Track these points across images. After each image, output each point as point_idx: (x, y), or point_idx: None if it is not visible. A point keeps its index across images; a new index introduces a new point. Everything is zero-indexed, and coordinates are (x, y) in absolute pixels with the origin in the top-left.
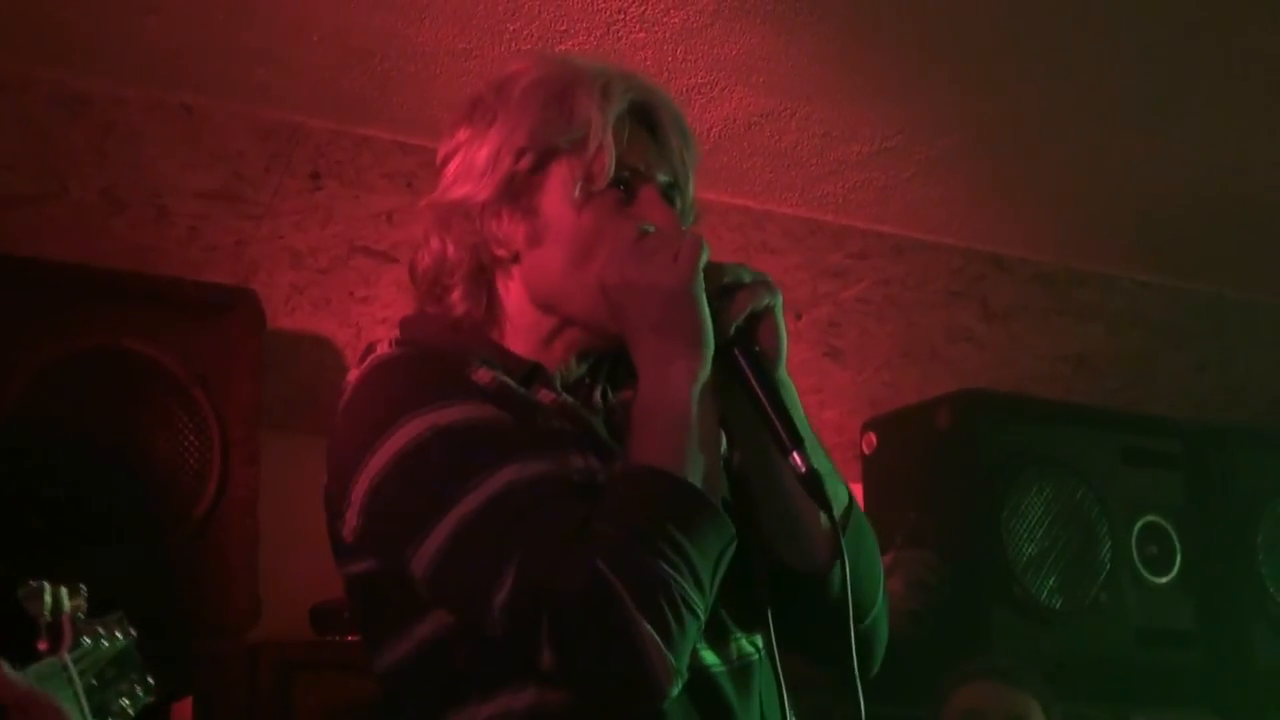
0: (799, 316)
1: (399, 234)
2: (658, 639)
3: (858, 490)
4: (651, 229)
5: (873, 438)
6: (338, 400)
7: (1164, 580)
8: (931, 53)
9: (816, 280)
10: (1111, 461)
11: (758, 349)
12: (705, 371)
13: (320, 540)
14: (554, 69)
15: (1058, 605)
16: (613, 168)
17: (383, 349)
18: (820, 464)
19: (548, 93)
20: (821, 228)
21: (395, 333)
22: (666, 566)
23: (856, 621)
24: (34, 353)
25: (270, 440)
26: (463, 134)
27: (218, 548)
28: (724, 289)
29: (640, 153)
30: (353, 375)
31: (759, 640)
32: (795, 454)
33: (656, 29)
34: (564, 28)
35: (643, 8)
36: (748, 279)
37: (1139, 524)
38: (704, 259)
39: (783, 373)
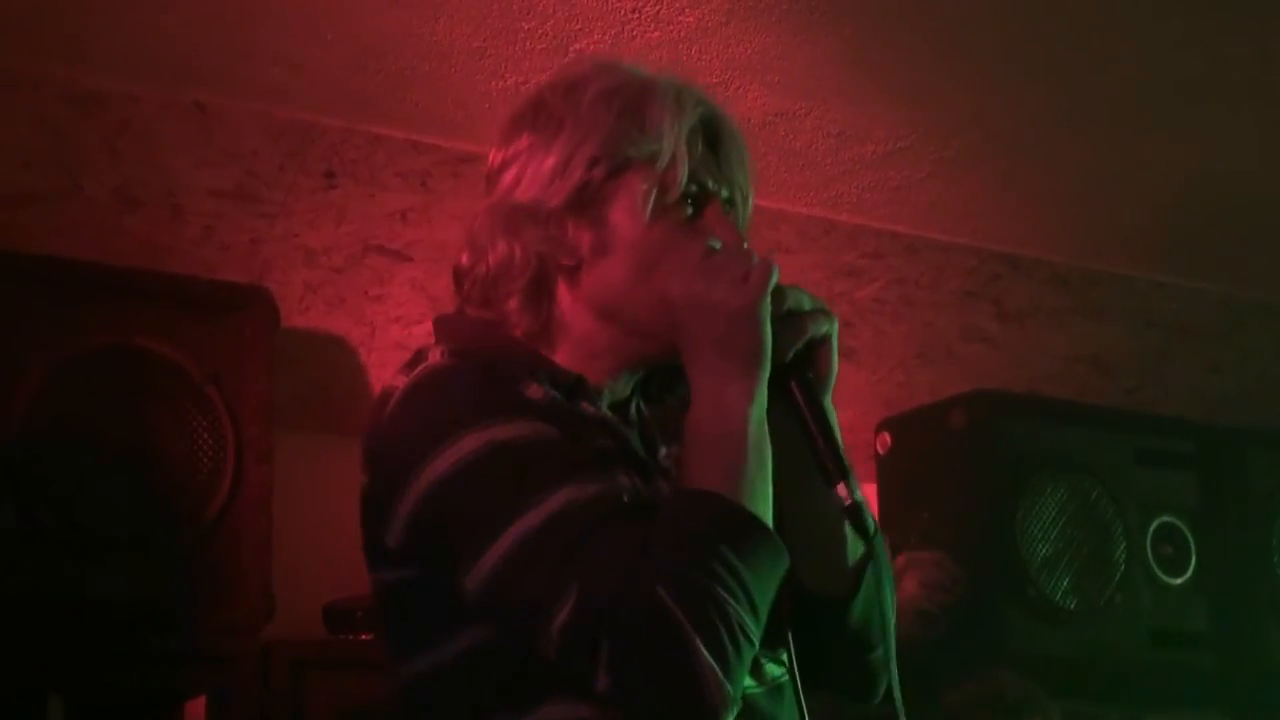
0: None
1: (413, 233)
2: (717, 669)
3: (871, 491)
4: (718, 245)
5: (887, 438)
6: (381, 403)
7: (1179, 581)
8: (946, 53)
9: (831, 280)
10: (1126, 462)
11: (811, 376)
12: (763, 394)
13: (334, 539)
14: (625, 77)
15: (1072, 606)
16: (685, 181)
17: (434, 357)
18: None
19: (621, 102)
20: (836, 227)
21: (432, 334)
22: (725, 594)
23: (867, 651)
24: (47, 351)
25: (284, 439)
26: (525, 139)
27: (231, 546)
28: (786, 314)
29: (707, 168)
30: (402, 380)
31: (783, 659)
32: (842, 485)
33: (671, 28)
34: (578, 27)
35: (657, 7)
36: (808, 305)
37: (1154, 525)
38: (773, 282)
39: (828, 401)
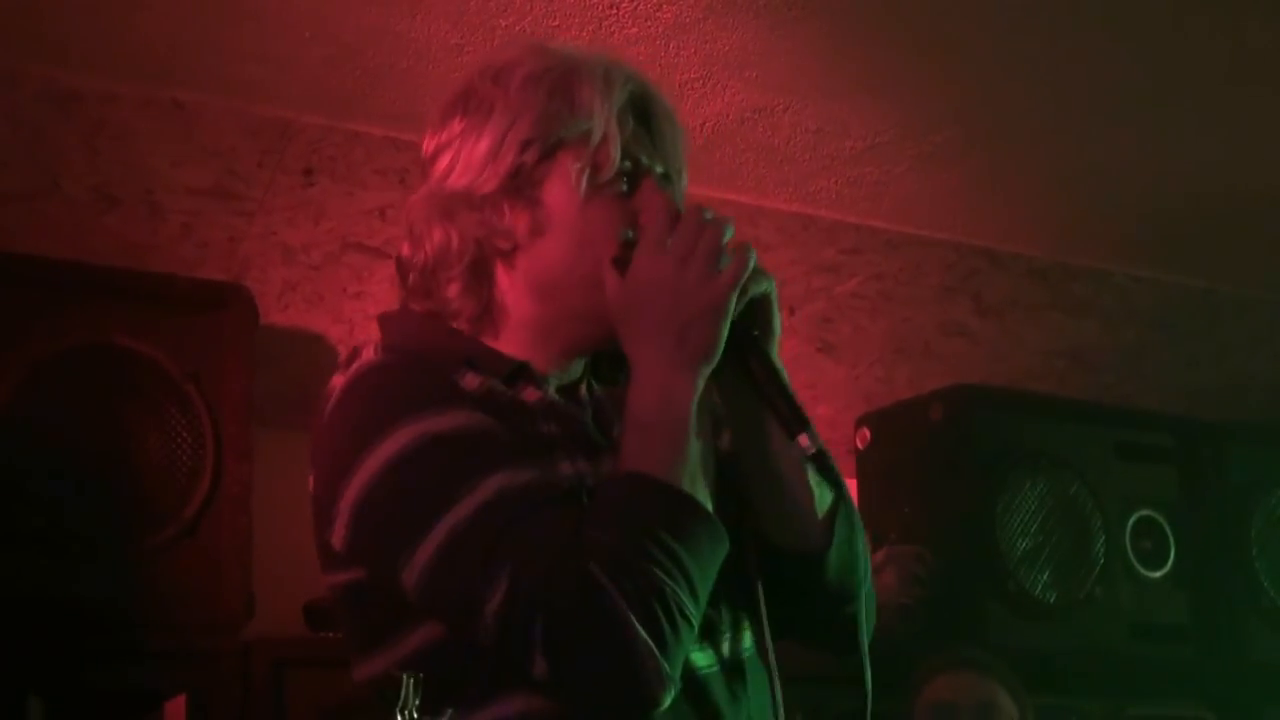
0: (793, 312)
1: (392, 230)
2: (653, 647)
3: (851, 485)
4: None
5: (866, 433)
6: (322, 403)
7: (1158, 574)
8: (924, 48)
9: (810, 276)
10: (1105, 456)
11: (756, 334)
12: (702, 388)
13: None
14: (552, 59)
15: (1052, 600)
16: (618, 158)
17: (368, 354)
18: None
19: (550, 83)
20: (814, 223)
21: (377, 331)
22: (661, 574)
23: (849, 602)
24: (26, 350)
25: (263, 437)
26: (457, 125)
27: (211, 544)
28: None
29: (640, 144)
30: (338, 380)
31: (749, 637)
32: (803, 435)
33: (649, 24)
34: (556, 23)
35: (635, 3)
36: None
37: (1133, 518)
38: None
39: (776, 357)
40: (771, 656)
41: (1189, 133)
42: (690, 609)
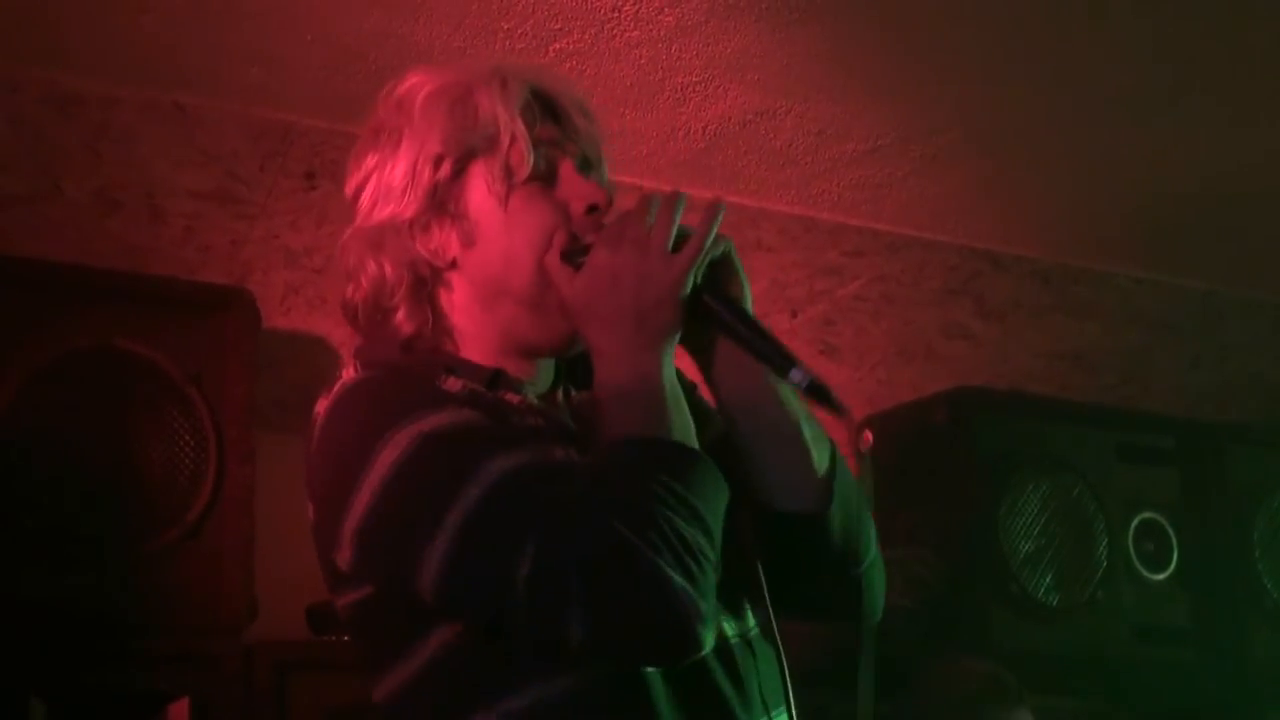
0: (795, 314)
1: None
2: (688, 588)
3: None
4: (654, 212)
5: (869, 435)
6: (309, 429)
7: (1161, 577)
8: (926, 50)
9: (812, 278)
10: (1108, 458)
11: (723, 291)
12: (671, 367)
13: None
14: (448, 75)
15: (1054, 602)
16: (531, 155)
17: (347, 374)
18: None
19: (450, 98)
20: (817, 225)
21: (354, 364)
22: (678, 519)
23: (852, 566)
24: (28, 353)
25: (265, 440)
26: (370, 160)
27: (213, 548)
28: (676, 242)
29: (552, 137)
30: (322, 404)
31: (753, 618)
32: (794, 371)
33: (651, 27)
34: (558, 26)
35: (637, 6)
36: (692, 231)
37: (1135, 521)
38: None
39: (749, 309)
40: (777, 634)
41: (1191, 134)
42: (710, 551)
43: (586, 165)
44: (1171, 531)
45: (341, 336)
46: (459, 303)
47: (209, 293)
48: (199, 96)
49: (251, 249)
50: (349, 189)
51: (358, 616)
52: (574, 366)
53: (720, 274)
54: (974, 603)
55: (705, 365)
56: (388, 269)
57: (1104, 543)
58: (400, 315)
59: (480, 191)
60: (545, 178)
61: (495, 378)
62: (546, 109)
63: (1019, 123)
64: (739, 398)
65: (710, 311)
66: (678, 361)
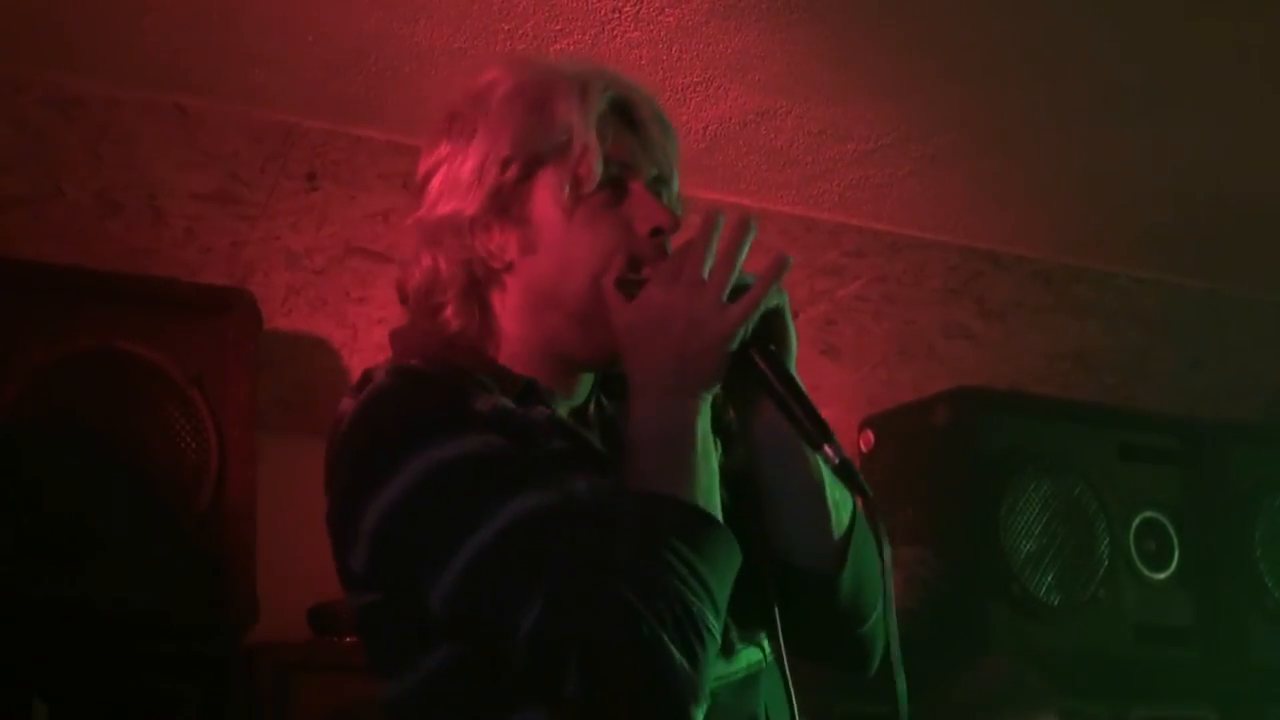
0: (795, 315)
1: (395, 234)
2: (687, 666)
3: None
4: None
5: (870, 435)
6: (334, 426)
7: (1162, 576)
8: (927, 50)
9: (813, 279)
10: (1109, 458)
11: (773, 348)
12: (707, 415)
13: (318, 541)
14: (529, 74)
15: (1056, 602)
16: (600, 169)
17: (379, 377)
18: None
19: (527, 100)
20: (817, 226)
21: (388, 350)
22: (689, 593)
23: (860, 624)
24: (30, 355)
25: (267, 441)
26: (444, 149)
27: (215, 549)
28: (733, 290)
29: (625, 150)
30: (348, 404)
31: (766, 646)
32: (827, 447)
33: (651, 27)
34: (559, 27)
35: (637, 6)
36: (752, 280)
37: (1136, 520)
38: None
39: (793, 370)
40: (786, 669)
41: (1192, 135)
42: (714, 624)
43: (659, 182)
44: (1173, 531)
45: (342, 338)
46: (510, 305)
47: (210, 294)
48: (200, 98)
49: (253, 250)
50: (420, 170)
51: (368, 619)
52: (609, 376)
53: (771, 328)
54: (974, 603)
55: (741, 407)
56: (443, 265)
57: (1105, 542)
58: (449, 311)
59: (545, 200)
60: (614, 192)
61: (527, 389)
62: (625, 120)
63: (1020, 123)
64: (769, 448)
65: (754, 367)
66: None
